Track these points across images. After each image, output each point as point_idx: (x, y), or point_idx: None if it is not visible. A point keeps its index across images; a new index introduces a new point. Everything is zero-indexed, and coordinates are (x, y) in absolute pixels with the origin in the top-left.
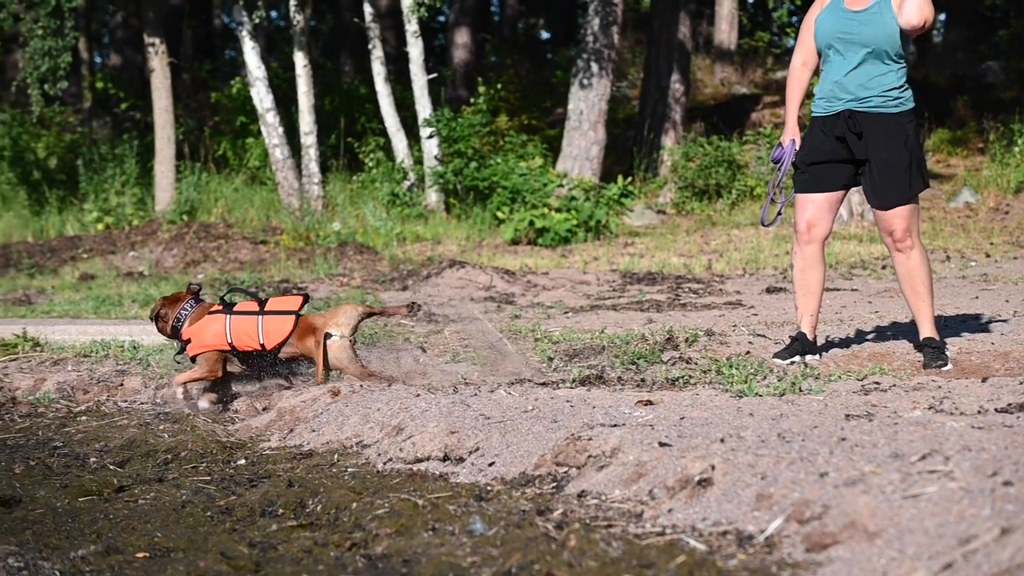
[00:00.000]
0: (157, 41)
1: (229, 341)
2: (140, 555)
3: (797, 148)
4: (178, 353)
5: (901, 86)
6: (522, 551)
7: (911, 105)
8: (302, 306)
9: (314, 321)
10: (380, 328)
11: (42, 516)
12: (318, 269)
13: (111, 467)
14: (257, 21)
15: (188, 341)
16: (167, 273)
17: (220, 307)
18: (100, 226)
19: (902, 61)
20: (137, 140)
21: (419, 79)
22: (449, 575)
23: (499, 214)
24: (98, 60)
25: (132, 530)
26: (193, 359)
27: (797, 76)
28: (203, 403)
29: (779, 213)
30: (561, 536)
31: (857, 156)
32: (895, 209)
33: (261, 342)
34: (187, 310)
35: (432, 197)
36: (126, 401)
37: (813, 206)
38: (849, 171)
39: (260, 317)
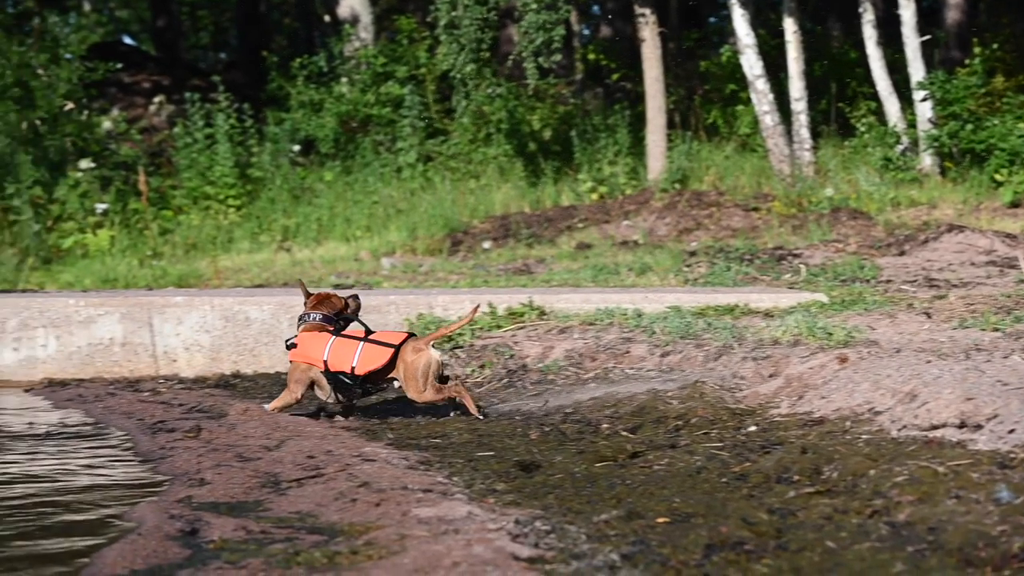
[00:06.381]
0: (647, 11)
1: (325, 359)
2: (661, 520)
3: None
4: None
5: None
6: None
7: None
8: (403, 342)
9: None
10: (881, 295)
11: (561, 481)
12: (811, 235)
13: (623, 433)
14: None
15: (294, 345)
16: (660, 241)
17: (331, 329)
18: (594, 196)
19: None
20: (628, 110)
21: (911, 41)
22: (978, 543)
23: (997, 176)
24: (586, 32)
25: (650, 495)
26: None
27: None
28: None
29: None
30: None
31: None
32: None
33: (353, 366)
34: (308, 319)
35: (926, 161)
36: (633, 368)
37: None
38: None
39: (361, 343)
